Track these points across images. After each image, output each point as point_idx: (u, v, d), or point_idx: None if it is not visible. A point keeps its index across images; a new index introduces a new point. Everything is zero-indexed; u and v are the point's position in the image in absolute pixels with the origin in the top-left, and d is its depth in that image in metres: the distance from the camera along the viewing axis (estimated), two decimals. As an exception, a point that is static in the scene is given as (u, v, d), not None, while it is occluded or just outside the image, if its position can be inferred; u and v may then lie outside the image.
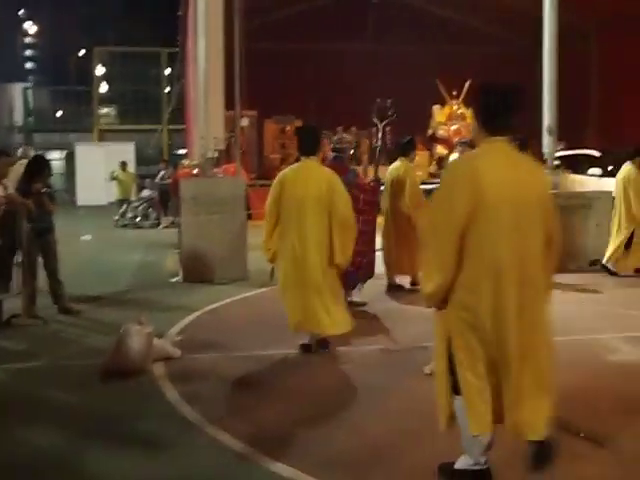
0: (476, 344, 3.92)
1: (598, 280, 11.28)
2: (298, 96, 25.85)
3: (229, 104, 12.76)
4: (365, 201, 9.08)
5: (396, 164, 10.85)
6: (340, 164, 8.60)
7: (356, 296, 9.23)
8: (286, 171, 7.36)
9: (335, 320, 6.88)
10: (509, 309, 3.89)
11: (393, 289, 10.36)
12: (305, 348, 7.10)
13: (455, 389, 4.02)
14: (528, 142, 11.45)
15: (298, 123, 24.75)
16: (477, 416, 3.93)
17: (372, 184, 9.71)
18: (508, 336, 3.88)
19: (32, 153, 12.18)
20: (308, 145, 7.16)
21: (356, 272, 8.79)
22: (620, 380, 6.48)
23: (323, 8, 26.69)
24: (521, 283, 3.93)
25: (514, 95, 4.19)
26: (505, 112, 4.11)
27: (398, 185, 10.40)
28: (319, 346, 7.12)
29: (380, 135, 11.06)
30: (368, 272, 9.49)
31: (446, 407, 4.11)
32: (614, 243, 11.79)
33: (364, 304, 9.23)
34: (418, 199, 10.29)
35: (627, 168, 11.89)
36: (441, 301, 4.05)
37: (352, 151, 10.41)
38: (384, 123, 11.03)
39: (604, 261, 11.88)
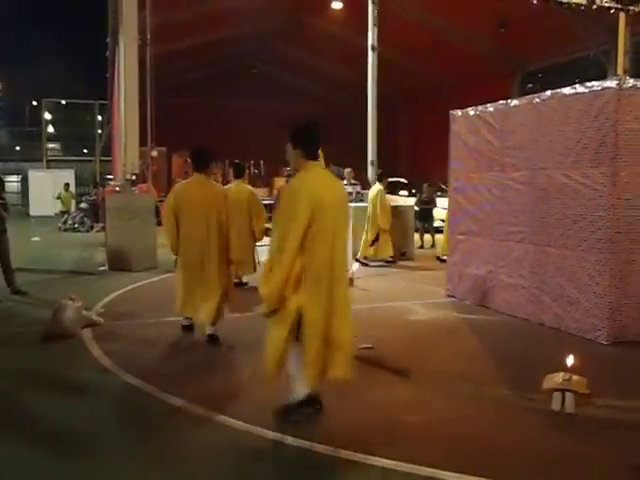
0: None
1: (403, 266, 11.64)
2: (198, 136, 25.38)
3: (144, 141, 12.58)
4: None
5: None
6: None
7: None
8: (178, 185, 6.60)
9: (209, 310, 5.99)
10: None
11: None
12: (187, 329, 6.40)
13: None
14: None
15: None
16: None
17: None
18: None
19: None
20: (199, 163, 6.37)
21: None
22: (417, 331, 6.71)
23: (219, 74, 26.71)
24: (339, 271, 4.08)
25: (319, 130, 4.20)
26: (317, 142, 4.16)
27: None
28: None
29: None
30: None
31: (279, 360, 3.98)
32: (364, 243, 11.77)
33: None
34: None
35: (376, 187, 11.86)
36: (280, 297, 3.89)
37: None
38: None
39: (358, 256, 11.65)
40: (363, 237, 11.80)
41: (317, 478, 3.48)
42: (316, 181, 4.03)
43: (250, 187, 9.57)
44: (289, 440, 3.83)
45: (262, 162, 25.49)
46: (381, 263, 11.66)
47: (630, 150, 5.97)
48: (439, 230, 13.80)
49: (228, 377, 5.16)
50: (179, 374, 5.16)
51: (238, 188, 8.83)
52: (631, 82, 6.05)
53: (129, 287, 9.16)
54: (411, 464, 3.48)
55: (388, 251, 11.74)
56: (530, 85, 22.46)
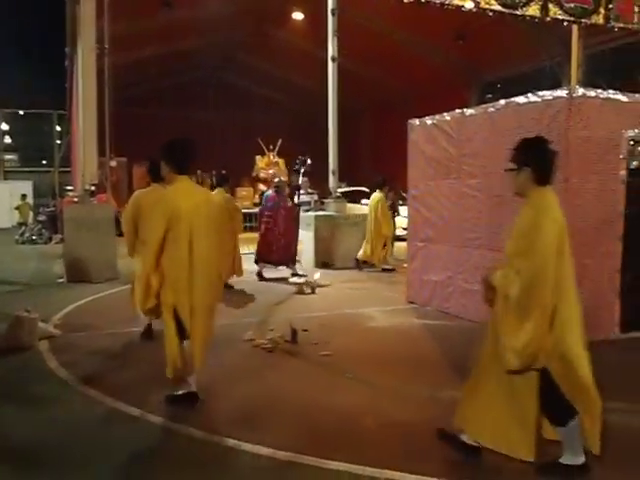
0: None
1: (365, 273, 11.72)
2: (156, 147, 25.19)
3: (103, 152, 12.44)
4: (286, 214, 11.02)
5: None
6: (279, 194, 11.11)
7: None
8: (138, 194, 6.57)
9: None
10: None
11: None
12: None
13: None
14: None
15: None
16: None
17: (290, 205, 11.27)
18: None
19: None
20: (156, 172, 5.91)
21: (280, 260, 10.97)
22: (376, 338, 6.78)
23: (182, 84, 26.65)
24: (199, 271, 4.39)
25: (190, 147, 4.70)
26: (187, 158, 4.65)
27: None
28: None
29: (301, 177, 13.61)
30: (288, 259, 11.12)
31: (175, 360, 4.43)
32: (366, 248, 12.05)
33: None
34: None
35: (376, 195, 12.16)
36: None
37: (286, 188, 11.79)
38: (303, 170, 13.55)
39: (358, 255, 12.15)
40: (363, 246, 12.05)
41: (275, 484, 3.49)
42: (176, 192, 4.47)
43: (229, 195, 10.36)
44: (246, 447, 3.83)
45: (224, 172, 25.46)
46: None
47: (580, 157, 6.15)
48: (402, 239, 13.93)
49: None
50: (137, 384, 5.10)
51: (221, 196, 9.49)
52: (581, 92, 6.25)
53: (88, 299, 9.01)
54: (367, 467, 3.52)
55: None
56: (489, 95, 22.90)
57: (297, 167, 13.87)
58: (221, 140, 26.01)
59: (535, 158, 3.46)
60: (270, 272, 11.01)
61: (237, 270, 9.64)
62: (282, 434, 4.04)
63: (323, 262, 12.13)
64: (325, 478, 3.48)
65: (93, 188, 11.24)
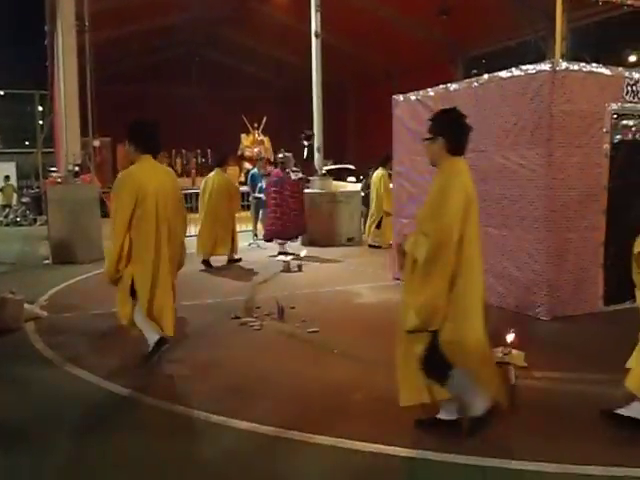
0: None
1: (352, 251, 11.73)
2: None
3: (86, 131, 12.28)
4: (292, 189, 10.91)
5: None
6: (282, 170, 11.05)
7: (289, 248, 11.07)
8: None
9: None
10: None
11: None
12: None
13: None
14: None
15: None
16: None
17: (295, 179, 11.09)
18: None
19: None
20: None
21: (291, 234, 11.02)
22: (362, 314, 6.81)
23: (165, 61, 26.31)
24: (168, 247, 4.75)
25: (153, 128, 4.95)
26: (151, 139, 4.87)
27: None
28: None
29: (306, 150, 13.50)
30: (298, 233, 11.29)
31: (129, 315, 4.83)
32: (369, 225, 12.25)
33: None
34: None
35: (379, 171, 12.07)
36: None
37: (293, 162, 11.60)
38: (308, 143, 13.42)
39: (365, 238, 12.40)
40: (368, 221, 12.20)
41: (257, 457, 3.50)
42: (142, 172, 4.71)
43: (227, 175, 10.64)
44: (233, 423, 3.85)
45: (210, 151, 25.25)
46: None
47: (564, 131, 6.16)
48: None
49: (174, 366, 5.10)
50: (124, 364, 5.09)
51: (219, 176, 10.06)
52: (564, 65, 6.24)
53: (74, 280, 8.96)
54: (355, 441, 3.55)
55: (390, 237, 11.88)
56: (474, 70, 22.81)
57: (302, 141, 13.83)
58: (205, 118, 25.72)
59: (449, 129, 3.58)
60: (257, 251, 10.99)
61: (235, 248, 10.10)
62: (270, 410, 4.06)
63: (310, 240, 12.11)
64: (312, 453, 3.50)
65: (77, 169, 11.12)
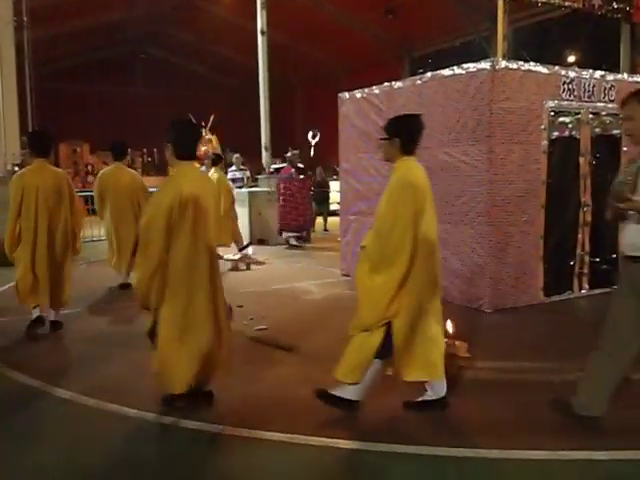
0: None
1: (301, 248, 11.77)
2: (85, 124, 24.40)
3: (26, 130, 11.95)
4: (300, 185, 11.94)
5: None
6: (288, 168, 12.14)
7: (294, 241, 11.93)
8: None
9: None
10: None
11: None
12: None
13: None
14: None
15: (86, 146, 23.57)
16: None
17: (301, 178, 12.05)
18: None
19: None
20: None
21: (301, 226, 12.01)
22: (311, 311, 6.84)
23: (108, 58, 25.72)
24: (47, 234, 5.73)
25: (49, 133, 5.27)
26: (45, 143, 5.41)
27: None
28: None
29: (313, 148, 14.04)
30: (307, 225, 12.36)
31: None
32: None
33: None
34: None
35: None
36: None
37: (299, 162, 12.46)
38: (315, 141, 14.09)
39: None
40: None
41: (209, 456, 3.49)
42: (31, 172, 5.74)
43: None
44: (182, 423, 3.83)
45: (155, 150, 24.87)
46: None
47: (504, 128, 6.33)
48: (336, 213, 14.02)
49: (114, 369, 5.02)
50: (65, 367, 5.01)
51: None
52: (503, 64, 6.41)
53: (12, 283, 8.68)
54: (300, 435, 3.57)
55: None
56: (421, 70, 23.14)
57: (311, 137, 14.30)
58: (151, 117, 25.28)
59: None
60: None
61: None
62: (216, 408, 4.05)
63: (259, 239, 12.10)
64: (257, 448, 3.51)
65: (17, 168, 10.80)
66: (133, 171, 8.36)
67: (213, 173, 10.65)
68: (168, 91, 26.26)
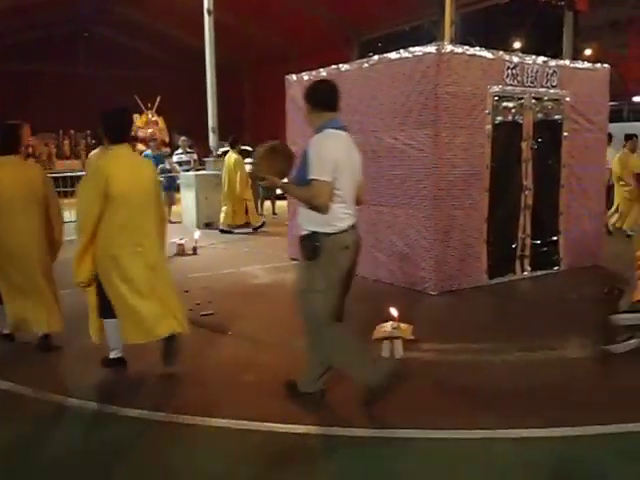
0: None
1: (249, 233, 11.64)
2: (27, 107, 23.53)
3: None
4: None
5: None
6: None
7: None
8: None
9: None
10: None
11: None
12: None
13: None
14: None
15: (27, 128, 22.72)
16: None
17: None
18: None
19: None
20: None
21: None
22: (258, 295, 6.81)
23: (46, 38, 24.71)
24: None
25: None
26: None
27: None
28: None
29: None
30: None
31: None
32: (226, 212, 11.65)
33: None
34: None
35: (232, 155, 11.52)
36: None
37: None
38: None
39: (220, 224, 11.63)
40: (224, 207, 11.50)
41: (151, 445, 3.43)
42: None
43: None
44: (123, 412, 3.75)
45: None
46: (247, 230, 11.52)
47: (449, 112, 6.38)
48: (284, 197, 13.95)
49: (52, 356, 4.89)
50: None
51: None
52: (449, 48, 6.44)
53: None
54: (248, 421, 3.55)
55: (257, 219, 11.91)
56: (371, 53, 23.16)
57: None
58: (96, 98, 24.57)
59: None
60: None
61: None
62: (161, 395, 4.00)
63: (206, 223, 11.94)
64: (204, 435, 3.47)
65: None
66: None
67: (231, 154, 11.29)
68: (114, 72, 25.53)
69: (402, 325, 4.80)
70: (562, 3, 14.69)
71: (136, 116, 23.81)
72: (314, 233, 3.52)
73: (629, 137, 10.51)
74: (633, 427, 3.40)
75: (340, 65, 7.67)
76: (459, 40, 16.09)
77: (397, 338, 4.62)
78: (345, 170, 3.53)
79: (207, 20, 12.71)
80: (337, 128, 3.63)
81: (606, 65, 7.96)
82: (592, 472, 3.07)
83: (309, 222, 3.56)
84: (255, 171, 3.72)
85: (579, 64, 7.79)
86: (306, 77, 8.13)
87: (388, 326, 4.72)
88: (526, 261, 7.23)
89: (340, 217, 3.53)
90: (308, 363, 3.80)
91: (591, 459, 3.16)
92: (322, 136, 3.54)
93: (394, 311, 4.75)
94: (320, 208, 3.45)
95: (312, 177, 3.42)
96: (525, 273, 7.24)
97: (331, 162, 3.45)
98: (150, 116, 23.31)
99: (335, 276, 3.57)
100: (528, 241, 7.21)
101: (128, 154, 4.29)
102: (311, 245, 3.52)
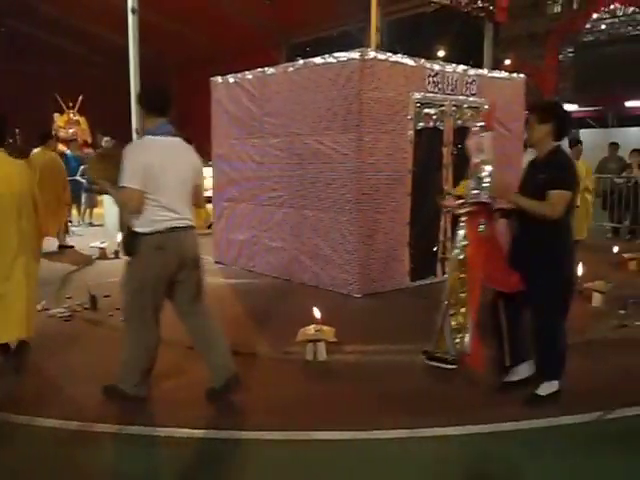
0: None
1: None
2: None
3: None
4: None
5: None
6: None
7: None
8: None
9: None
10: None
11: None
12: None
13: None
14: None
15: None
16: None
17: None
18: None
19: None
20: None
21: None
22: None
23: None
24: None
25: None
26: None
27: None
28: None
29: None
30: None
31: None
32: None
33: None
34: None
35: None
36: None
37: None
38: None
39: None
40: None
41: (67, 456, 3.32)
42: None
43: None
44: (39, 421, 3.61)
45: (17, 131, 23.21)
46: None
47: (372, 117, 6.49)
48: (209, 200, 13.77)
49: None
50: None
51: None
52: (372, 54, 6.56)
53: None
54: (178, 428, 3.50)
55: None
56: (299, 57, 23.21)
57: None
58: (12, 95, 23.62)
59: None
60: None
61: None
62: (78, 404, 3.86)
63: (129, 226, 11.63)
64: (127, 444, 3.38)
65: None
66: None
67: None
68: (33, 68, 24.57)
69: (325, 328, 4.83)
70: (482, 14, 15.14)
71: (57, 115, 23.08)
72: (134, 232, 3.65)
73: (574, 143, 9.83)
74: (543, 422, 3.56)
75: (266, 68, 7.68)
76: (386, 47, 16.37)
77: (320, 341, 4.65)
78: (161, 175, 3.59)
79: (131, 19, 12.35)
80: (164, 133, 3.72)
81: (522, 75, 8.31)
82: (501, 466, 3.19)
83: (132, 221, 3.67)
84: (88, 176, 3.93)
85: (496, 73, 8.09)
86: (232, 80, 8.09)
87: (311, 329, 4.74)
88: (446, 264, 7.41)
89: (155, 219, 3.63)
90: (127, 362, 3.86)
91: (500, 454, 3.28)
92: (135, 143, 3.79)
93: (317, 314, 4.78)
94: (132, 213, 3.61)
95: (123, 184, 3.55)
96: (445, 275, 7.40)
97: (140, 169, 3.55)
98: (72, 115, 22.58)
99: (149, 275, 3.68)
100: (448, 244, 7.40)
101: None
102: (128, 242, 3.72)
